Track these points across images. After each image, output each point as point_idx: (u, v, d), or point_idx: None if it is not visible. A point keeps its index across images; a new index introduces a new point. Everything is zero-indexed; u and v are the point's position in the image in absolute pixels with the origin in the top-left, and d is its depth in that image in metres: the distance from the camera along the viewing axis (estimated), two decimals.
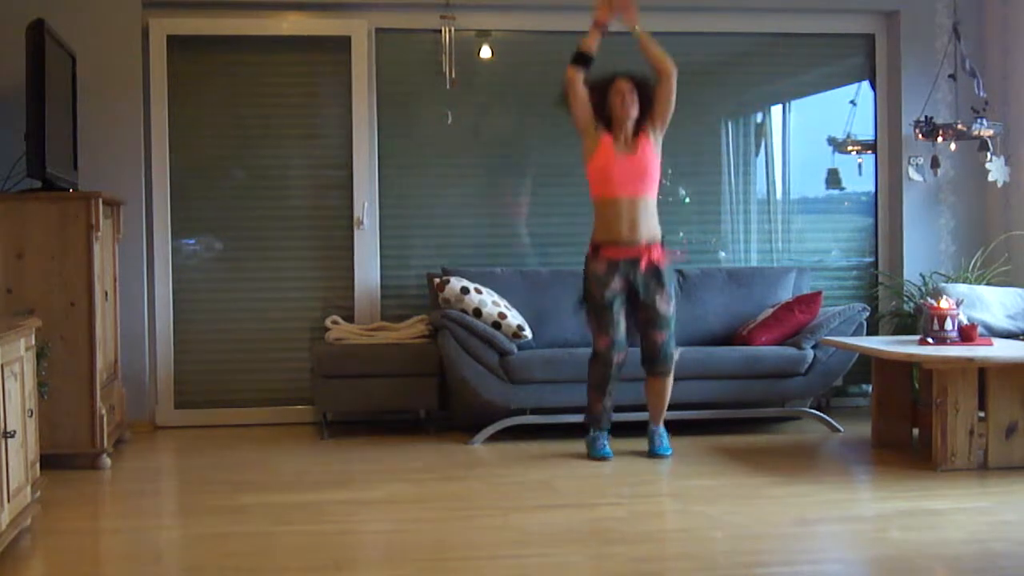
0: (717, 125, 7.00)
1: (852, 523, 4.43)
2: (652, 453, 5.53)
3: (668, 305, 5.46)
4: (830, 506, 4.63)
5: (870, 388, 5.99)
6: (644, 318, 5.47)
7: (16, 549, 4.05)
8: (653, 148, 5.46)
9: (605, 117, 5.48)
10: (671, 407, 6.01)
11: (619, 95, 5.44)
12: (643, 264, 5.40)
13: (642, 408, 5.96)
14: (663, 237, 5.52)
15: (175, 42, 6.44)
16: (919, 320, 5.75)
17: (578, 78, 5.46)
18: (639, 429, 5.77)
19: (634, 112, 5.45)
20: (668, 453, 5.53)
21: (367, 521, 4.54)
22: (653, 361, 5.52)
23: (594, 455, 5.49)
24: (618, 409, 5.69)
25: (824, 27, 6.95)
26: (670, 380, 5.56)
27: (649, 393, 5.61)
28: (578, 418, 5.81)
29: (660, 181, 5.56)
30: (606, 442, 5.53)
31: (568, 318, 6.11)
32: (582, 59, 5.46)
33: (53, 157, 5.33)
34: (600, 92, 5.49)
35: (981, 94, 6.44)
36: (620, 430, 5.73)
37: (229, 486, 5.05)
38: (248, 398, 6.60)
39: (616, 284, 5.41)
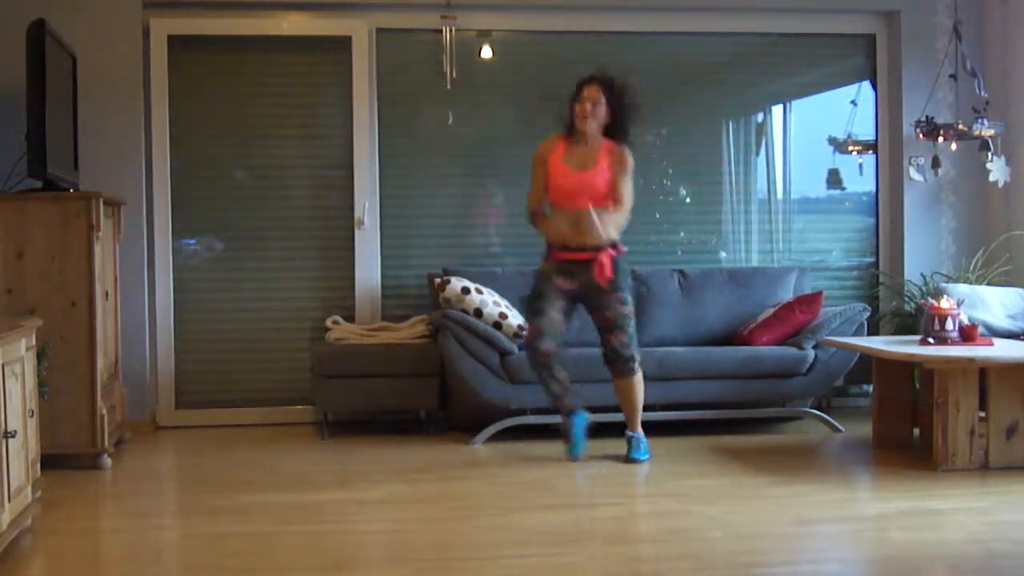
0: (718, 125, 7.00)
1: (852, 523, 4.43)
2: (628, 458, 5.43)
3: (622, 306, 5.39)
4: (830, 506, 4.63)
5: (871, 388, 5.99)
6: (600, 322, 5.43)
7: (16, 549, 4.05)
8: (607, 171, 5.35)
9: (567, 117, 5.43)
10: (671, 407, 6.03)
11: (582, 102, 5.38)
12: (595, 270, 5.32)
13: (644, 408, 5.97)
14: (618, 241, 5.40)
15: (175, 42, 6.45)
16: (920, 320, 5.75)
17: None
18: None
19: (594, 124, 5.37)
20: (645, 458, 5.44)
21: (367, 521, 4.54)
22: (613, 362, 5.45)
23: (573, 455, 5.40)
24: (618, 409, 5.69)
25: (824, 27, 6.95)
26: (637, 381, 5.46)
27: (618, 396, 5.52)
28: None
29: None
30: (580, 433, 5.40)
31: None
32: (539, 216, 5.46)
33: (54, 157, 5.33)
34: (574, 90, 5.43)
35: (982, 94, 6.44)
36: (618, 430, 5.73)
37: (229, 486, 5.05)
38: (248, 398, 6.61)
39: (559, 281, 5.38)
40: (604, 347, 5.46)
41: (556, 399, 5.48)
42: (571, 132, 5.44)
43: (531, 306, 5.47)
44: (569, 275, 5.38)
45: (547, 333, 5.40)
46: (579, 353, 5.77)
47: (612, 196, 5.36)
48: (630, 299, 5.46)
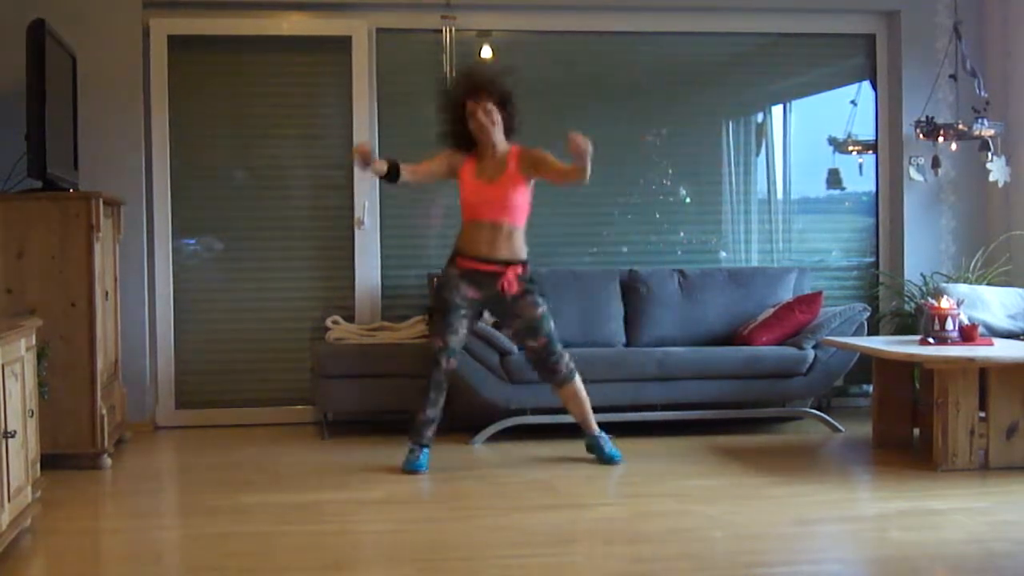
0: (718, 125, 7.00)
1: (852, 523, 4.43)
2: (605, 459, 5.35)
3: (536, 309, 5.28)
4: (830, 506, 4.63)
5: (871, 388, 5.99)
6: (516, 329, 5.35)
7: (16, 549, 4.05)
8: (522, 179, 5.26)
9: (467, 136, 5.29)
10: (671, 407, 6.02)
11: (473, 118, 5.24)
12: (502, 284, 5.24)
13: (642, 408, 5.99)
14: (525, 259, 5.31)
15: (175, 42, 6.44)
16: (920, 320, 5.74)
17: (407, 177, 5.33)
18: (637, 430, 5.78)
19: (496, 133, 5.25)
20: (618, 457, 5.35)
21: (367, 521, 4.54)
22: (541, 369, 5.36)
23: (406, 467, 5.23)
24: (618, 409, 5.69)
25: (824, 27, 6.95)
26: (578, 385, 5.36)
27: (566, 404, 5.42)
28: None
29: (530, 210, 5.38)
30: (424, 459, 5.26)
31: (568, 318, 6.11)
32: (390, 178, 5.31)
33: (53, 157, 5.33)
34: (453, 112, 5.31)
35: (982, 94, 6.44)
36: (617, 430, 5.73)
37: (229, 486, 5.05)
38: (248, 398, 6.60)
39: (465, 291, 5.27)
40: (527, 352, 5.38)
41: (423, 423, 5.30)
42: (469, 147, 5.30)
43: (439, 318, 5.29)
44: (476, 284, 5.28)
45: (453, 349, 5.30)
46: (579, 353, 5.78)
47: (565, 176, 5.20)
48: (541, 300, 5.33)
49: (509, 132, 5.32)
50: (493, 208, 5.26)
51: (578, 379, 5.39)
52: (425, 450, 5.31)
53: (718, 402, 6.10)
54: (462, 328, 5.32)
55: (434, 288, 5.39)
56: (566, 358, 5.36)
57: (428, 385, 5.31)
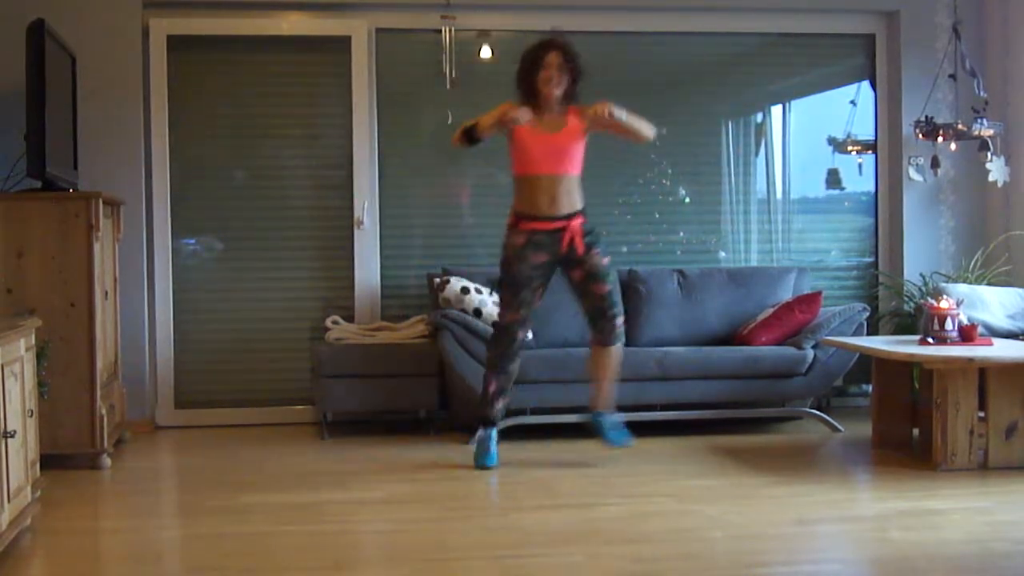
0: (717, 125, 7.01)
1: (852, 523, 4.43)
2: (616, 442, 5.30)
3: (601, 258, 5.26)
4: (830, 506, 4.63)
5: (870, 388, 5.99)
6: (581, 277, 5.27)
7: (16, 549, 4.05)
8: (580, 130, 5.26)
9: (530, 87, 5.29)
10: (671, 407, 6.02)
11: (548, 69, 5.23)
12: (566, 237, 5.21)
13: (641, 408, 5.97)
14: (584, 209, 5.29)
15: (175, 42, 6.45)
16: (919, 320, 5.75)
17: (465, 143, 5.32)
18: (636, 430, 5.77)
19: (560, 90, 5.27)
20: (629, 443, 5.33)
21: (367, 521, 4.54)
22: (597, 320, 5.26)
23: (480, 463, 5.27)
24: (618, 409, 5.67)
25: (824, 27, 6.96)
26: (619, 351, 5.33)
27: (595, 366, 5.33)
28: (577, 417, 5.81)
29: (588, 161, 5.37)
30: (494, 445, 5.32)
31: (568, 318, 6.11)
32: (470, 139, 5.29)
33: (53, 157, 5.33)
34: (530, 62, 5.30)
35: (981, 94, 6.44)
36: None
37: (229, 486, 5.05)
38: (248, 398, 6.60)
39: (536, 258, 5.23)
40: (587, 302, 5.30)
41: (494, 395, 5.32)
42: (533, 100, 5.29)
43: (511, 292, 5.26)
44: (541, 246, 5.24)
45: (525, 322, 5.31)
46: (579, 353, 5.78)
47: (623, 131, 5.28)
48: (604, 250, 5.31)
49: (567, 98, 5.31)
50: (553, 160, 5.23)
51: (620, 346, 5.33)
52: (494, 433, 5.33)
53: (718, 402, 6.10)
54: (534, 300, 5.30)
55: (503, 260, 5.29)
56: (621, 318, 5.31)
57: (499, 357, 5.30)
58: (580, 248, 5.23)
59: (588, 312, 5.34)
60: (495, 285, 5.41)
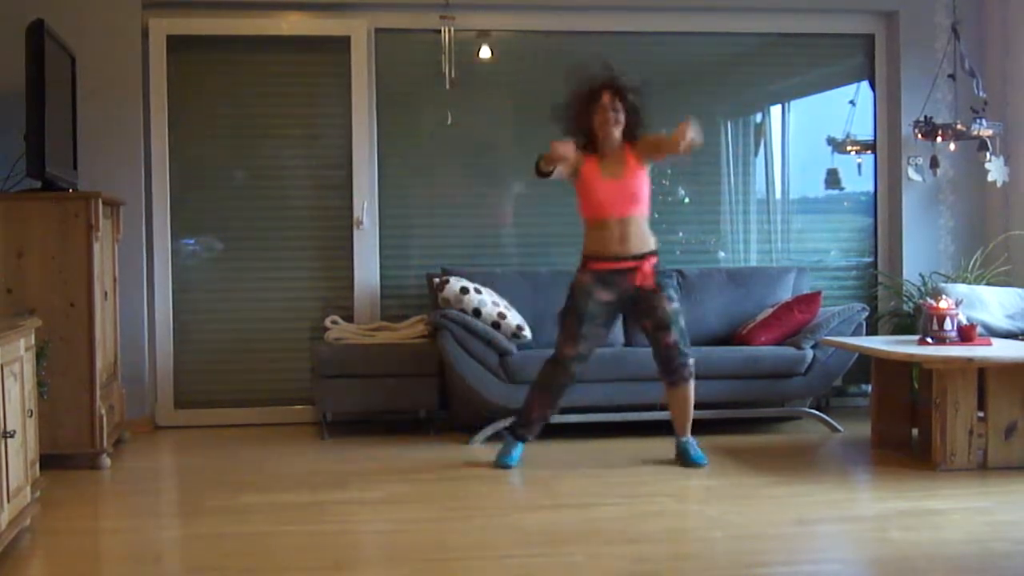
0: (717, 125, 7.00)
1: (852, 523, 4.43)
2: (688, 463, 5.32)
3: (670, 304, 5.27)
4: (830, 506, 4.63)
5: (870, 388, 6.00)
6: (650, 325, 5.30)
7: (16, 549, 4.05)
8: (641, 169, 5.27)
9: (587, 130, 5.26)
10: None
11: (603, 112, 5.21)
12: (637, 279, 5.22)
13: (642, 408, 5.98)
14: (656, 249, 5.31)
15: (175, 42, 6.44)
16: (918, 320, 5.75)
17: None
18: (637, 430, 5.78)
19: (618, 130, 5.24)
20: (703, 461, 5.32)
21: (367, 521, 4.54)
22: (670, 364, 5.28)
23: (502, 462, 5.31)
24: (618, 409, 5.68)
25: (824, 27, 6.96)
26: (692, 387, 5.33)
27: (672, 405, 5.37)
28: (577, 417, 5.81)
29: (651, 195, 5.37)
30: (519, 453, 5.34)
31: None
32: (540, 171, 5.22)
33: (53, 157, 5.33)
34: (583, 103, 5.26)
35: (980, 94, 6.45)
36: (618, 430, 5.73)
37: (229, 486, 5.05)
38: (248, 398, 6.60)
39: (599, 295, 5.22)
40: (657, 349, 5.30)
41: (536, 419, 5.36)
42: (590, 142, 5.27)
43: (573, 326, 5.25)
44: (608, 285, 5.23)
45: (584, 358, 5.28)
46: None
47: (667, 148, 5.16)
48: (675, 295, 5.32)
49: (625, 136, 5.28)
50: (622, 204, 5.22)
51: (692, 383, 5.35)
52: (521, 445, 5.35)
53: (717, 402, 6.10)
54: (596, 336, 5.29)
55: (569, 295, 5.30)
56: (691, 361, 5.33)
57: (549, 387, 5.31)
58: (649, 282, 5.22)
59: (657, 358, 5.34)
60: (557, 318, 5.36)
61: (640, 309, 5.30)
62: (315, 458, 5.68)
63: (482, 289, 6.08)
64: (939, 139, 6.44)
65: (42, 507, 4.47)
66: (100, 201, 5.37)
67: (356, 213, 6.58)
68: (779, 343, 6.16)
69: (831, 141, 7.04)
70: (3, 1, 5.98)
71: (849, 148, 7.04)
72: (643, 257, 5.25)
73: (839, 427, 6.16)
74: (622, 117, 5.26)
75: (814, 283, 6.78)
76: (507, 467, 5.30)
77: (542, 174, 5.25)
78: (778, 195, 7.08)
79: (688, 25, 6.82)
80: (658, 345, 5.30)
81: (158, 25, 6.40)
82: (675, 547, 4.07)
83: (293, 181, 6.64)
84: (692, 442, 5.40)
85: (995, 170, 6.49)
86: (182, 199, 6.52)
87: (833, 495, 4.82)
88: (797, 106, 7.14)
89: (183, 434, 6.34)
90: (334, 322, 6.33)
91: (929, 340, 5.44)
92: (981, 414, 5.19)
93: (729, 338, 6.35)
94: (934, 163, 6.61)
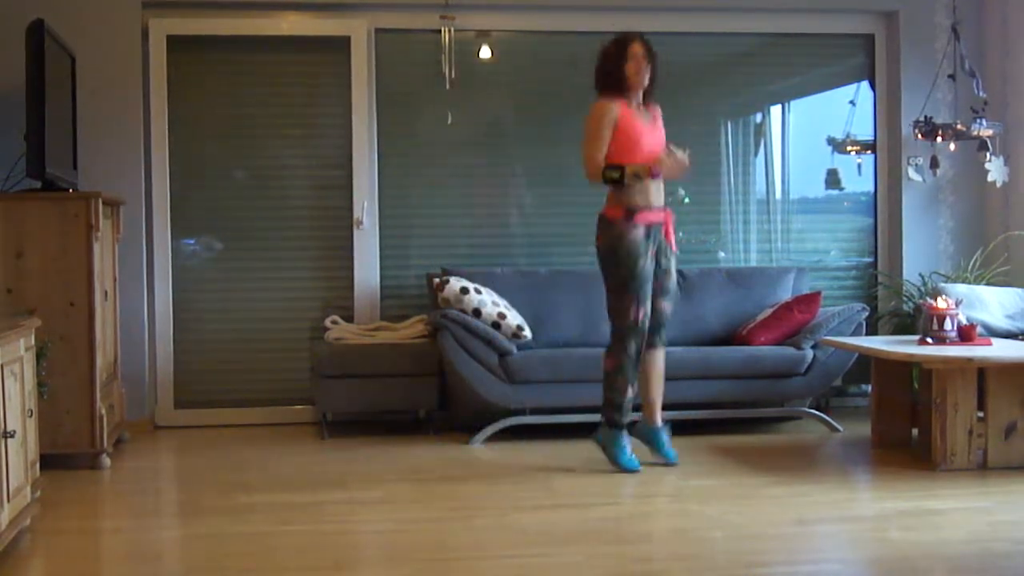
0: (716, 125, 7.01)
1: (852, 523, 4.43)
2: (660, 453, 5.28)
3: (675, 274, 5.31)
4: (830, 506, 4.64)
5: (869, 388, 6.00)
6: (657, 286, 5.21)
7: (16, 549, 4.05)
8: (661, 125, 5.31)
9: (617, 79, 5.18)
10: (671, 407, 5.99)
11: (635, 60, 5.15)
12: (667, 229, 5.20)
13: (641, 408, 5.96)
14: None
15: (175, 42, 6.44)
16: (918, 320, 5.75)
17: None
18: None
19: (646, 81, 5.22)
20: (676, 460, 5.30)
21: (367, 521, 4.54)
22: (657, 329, 5.22)
23: (622, 463, 5.16)
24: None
25: (824, 27, 6.96)
26: (663, 354, 5.32)
27: (651, 374, 5.27)
28: (577, 417, 5.81)
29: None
30: (627, 444, 5.24)
31: (568, 318, 6.12)
32: (614, 181, 5.10)
33: (53, 157, 5.33)
34: (618, 49, 5.19)
35: (980, 94, 6.45)
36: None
37: (229, 486, 5.05)
38: (248, 398, 6.60)
39: (651, 251, 5.13)
40: (653, 316, 5.20)
41: (627, 402, 5.19)
42: (623, 91, 5.19)
43: (638, 286, 5.08)
44: (649, 238, 5.15)
45: (647, 314, 5.15)
46: (579, 353, 5.77)
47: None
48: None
49: (645, 97, 5.27)
50: (655, 150, 5.18)
51: (664, 351, 5.33)
52: (623, 433, 5.22)
53: (717, 402, 6.10)
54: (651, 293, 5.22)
55: (619, 257, 5.10)
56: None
57: (625, 363, 5.14)
58: (670, 244, 5.22)
59: (651, 325, 5.22)
60: (612, 284, 5.14)
61: (659, 269, 5.22)
62: (315, 458, 5.68)
63: (482, 289, 6.08)
64: (939, 139, 6.45)
65: (42, 507, 4.47)
66: (100, 201, 5.37)
67: (356, 213, 6.59)
68: (779, 343, 6.16)
69: (831, 141, 7.05)
70: (3, 1, 5.98)
71: (849, 148, 7.05)
72: (666, 208, 5.26)
73: (839, 427, 6.16)
74: (649, 70, 5.23)
75: (814, 283, 6.78)
76: (634, 469, 5.14)
77: (613, 181, 5.12)
78: (778, 195, 7.08)
79: (688, 25, 6.82)
80: (657, 309, 5.22)
81: (158, 25, 6.40)
82: (675, 547, 4.08)
83: (293, 181, 6.64)
84: (664, 434, 5.33)
85: (995, 170, 6.49)
86: (182, 199, 6.52)
87: (833, 495, 4.82)
88: (797, 106, 7.14)
89: (183, 434, 6.34)
90: (334, 322, 6.33)
91: (929, 340, 5.44)
92: (981, 414, 5.19)
93: (729, 338, 6.35)
94: (934, 163, 6.61)
